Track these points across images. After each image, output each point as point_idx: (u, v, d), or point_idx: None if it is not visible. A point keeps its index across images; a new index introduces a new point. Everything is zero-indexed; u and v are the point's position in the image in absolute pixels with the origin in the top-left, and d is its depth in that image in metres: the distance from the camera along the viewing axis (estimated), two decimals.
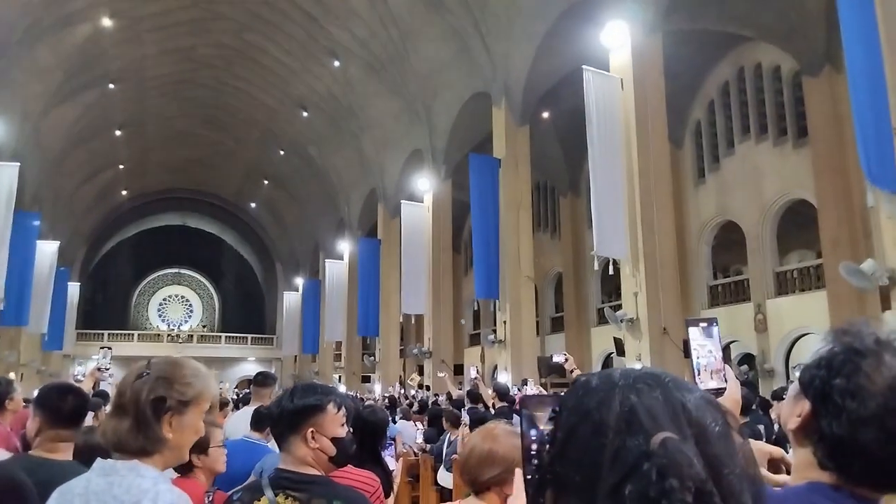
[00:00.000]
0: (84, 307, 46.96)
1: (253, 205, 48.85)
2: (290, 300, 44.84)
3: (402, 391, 21.57)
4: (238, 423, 5.82)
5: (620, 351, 17.12)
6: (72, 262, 41.62)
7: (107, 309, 51.33)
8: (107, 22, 26.59)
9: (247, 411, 5.91)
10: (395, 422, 10.83)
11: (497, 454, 2.39)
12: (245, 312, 53.73)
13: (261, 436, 5.06)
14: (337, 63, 29.44)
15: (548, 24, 20.60)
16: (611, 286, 25.06)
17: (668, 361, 14.46)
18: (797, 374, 1.33)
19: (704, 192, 23.24)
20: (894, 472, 1.18)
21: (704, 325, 1.97)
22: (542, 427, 0.91)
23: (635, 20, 17.01)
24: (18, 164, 22.25)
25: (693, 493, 0.75)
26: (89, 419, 4.27)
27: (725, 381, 1.91)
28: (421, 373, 26.54)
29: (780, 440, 6.60)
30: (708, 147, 23.46)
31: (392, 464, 5.72)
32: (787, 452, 1.51)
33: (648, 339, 15.58)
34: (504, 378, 19.61)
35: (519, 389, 13.82)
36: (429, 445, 10.14)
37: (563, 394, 0.91)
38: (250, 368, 43.20)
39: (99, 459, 1.88)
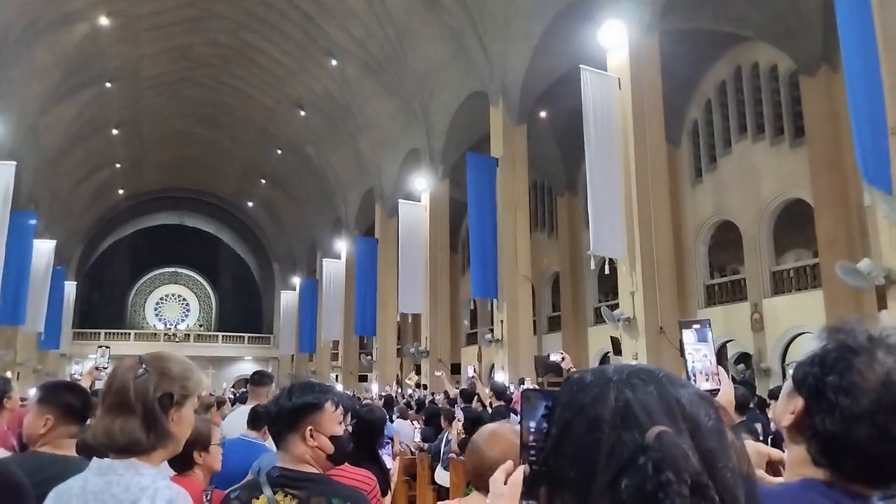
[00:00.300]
0: (80, 306, 46.89)
1: (250, 204, 48.81)
2: (287, 299, 44.82)
3: (400, 390, 21.57)
4: (235, 422, 5.83)
5: (617, 350, 17.14)
6: (68, 261, 41.57)
7: (103, 308, 51.28)
8: (104, 21, 26.57)
9: (243, 410, 5.91)
10: (391, 421, 10.82)
11: (498, 454, 2.40)
12: (242, 312, 53.70)
13: (258, 435, 5.07)
14: (334, 63, 29.43)
15: (545, 24, 20.61)
16: (608, 285, 25.07)
17: (665, 360, 14.47)
18: (791, 371, 1.34)
19: (701, 191, 23.26)
20: (887, 468, 1.19)
21: (697, 326, 1.98)
22: (541, 419, 0.91)
23: (632, 20, 17.02)
24: (15, 163, 22.18)
25: (689, 486, 0.76)
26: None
27: (719, 382, 1.92)
28: (418, 372, 26.54)
29: (778, 439, 6.61)
30: (705, 146, 23.48)
31: (389, 462, 5.72)
32: (785, 452, 1.52)
33: (645, 338, 15.61)
34: (501, 377, 19.63)
35: (516, 388, 13.84)
36: (426, 444, 10.15)
37: (556, 390, 0.92)
38: (247, 368, 43.14)
39: (95, 459, 1.89)
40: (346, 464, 3.07)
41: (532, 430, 0.90)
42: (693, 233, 23.08)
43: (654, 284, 15.97)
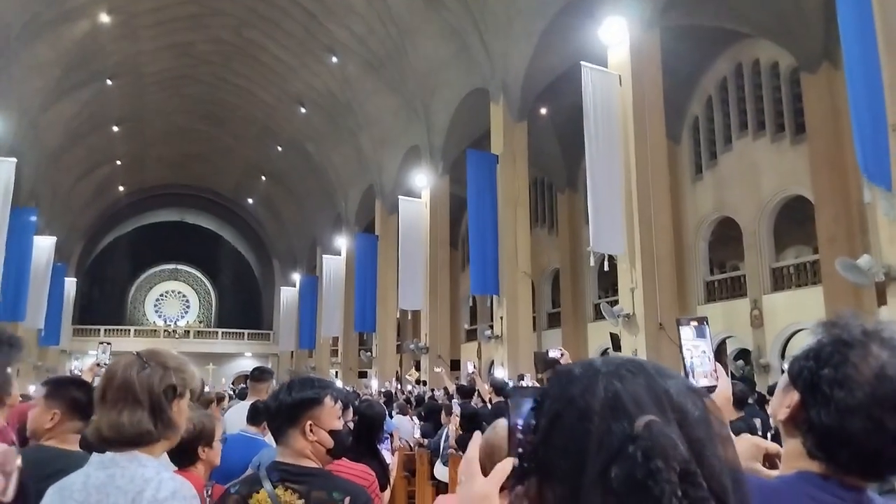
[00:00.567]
0: (81, 302, 46.91)
1: (250, 201, 48.80)
2: (287, 296, 44.82)
3: (399, 387, 21.59)
4: (234, 418, 5.85)
5: (617, 346, 17.15)
6: (69, 258, 41.58)
7: (103, 304, 51.29)
8: (105, 18, 26.54)
9: (244, 406, 5.93)
10: (391, 416, 10.84)
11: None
12: (242, 308, 53.70)
13: (257, 430, 5.08)
14: (335, 60, 29.40)
15: (546, 21, 20.59)
16: (608, 282, 25.07)
17: (665, 357, 14.47)
18: (786, 365, 1.35)
19: (702, 188, 23.26)
20: (881, 460, 1.20)
21: (696, 323, 1.98)
22: (528, 416, 0.91)
23: (633, 16, 17.00)
24: (16, 159, 22.21)
25: (678, 474, 0.77)
26: None
27: (717, 378, 1.92)
28: (418, 368, 26.55)
29: (778, 435, 6.61)
30: (705, 143, 23.47)
31: (388, 457, 5.74)
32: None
33: (645, 334, 15.62)
34: (500, 373, 19.64)
35: (515, 384, 13.85)
36: (426, 440, 10.17)
37: (544, 383, 0.92)
38: (247, 364, 43.18)
39: (95, 454, 1.90)
40: (345, 459, 3.08)
41: (519, 427, 0.90)
42: (693, 229, 23.08)
43: (654, 281, 15.97)
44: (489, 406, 10.02)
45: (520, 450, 0.90)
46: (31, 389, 5.92)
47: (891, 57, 10.86)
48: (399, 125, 29.98)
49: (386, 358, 30.95)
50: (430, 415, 11.30)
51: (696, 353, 1.94)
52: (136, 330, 49.60)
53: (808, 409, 1.25)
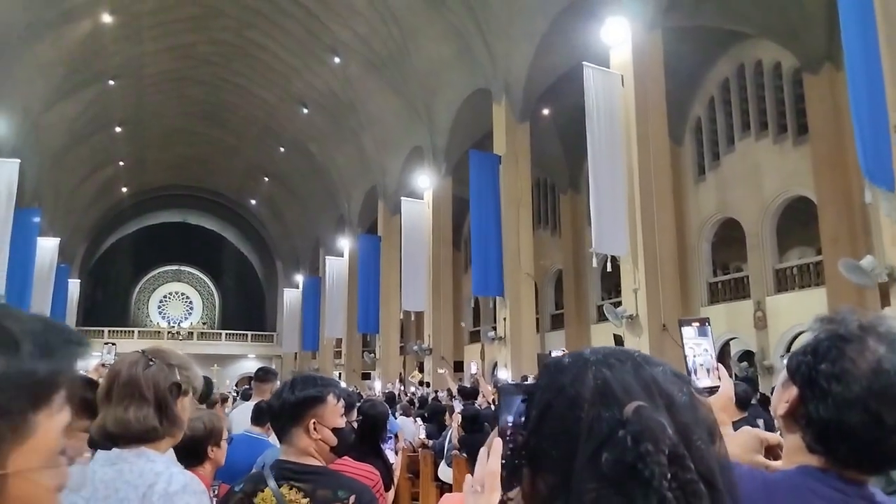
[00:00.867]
0: (84, 304, 46.98)
1: (253, 202, 48.83)
2: (291, 297, 44.85)
3: (402, 388, 21.59)
4: (239, 418, 5.86)
5: None
6: (72, 259, 41.63)
7: (107, 306, 51.34)
8: (107, 18, 26.58)
9: (248, 406, 5.95)
10: (394, 417, 10.84)
11: None
12: (245, 309, 53.71)
13: (262, 430, 5.09)
14: (337, 60, 29.43)
15: (548, 21, 20.60)
16: (611, 283, 25.06)
17: (668, 358, 14.07)
18: (785, 362, 1.37)
19: (704, 189, 23.24)
20: (879, 453, 1.21)
21: (697, 324, 1.99)
22: (518, 412, 0.92)
23: (636, 17, 17.00)
24: (19, 160, 22.27)
25: (667, 457, 0.79)
26: None
27: (719, 378, 1.93)
28: (421, 369, 26.56)
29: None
30: (708, 144, 23.46)
31: (392, 457, 5.75)
32: None
33: (648, 335, 15.59)
34: (504, 375, 19.66)
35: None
36: (430, 441, 10.18)
37: (532, 383, 0.94)
38: (250, 366, 43.18)
39: (100, 451, 1.92)
40: (349, 458, 3.09)
41: (510, 423, 0.91)
42: (696, 230, 23.06)
43: (657, 282, 15.96)
44: (493, 407, 10.02)
45: (510, 447, 0.90)
46: None
47: (892, 58, 10.86)
48: (401, 126, 29.99)
49: (389, 359, 30.95)
50: (434, 416, 11.31)
51: (699, 351, 1.94)
52: (139, 331, 49.62)
53: (806, 403, 1.26)
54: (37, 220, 26.50)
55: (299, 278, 45.20)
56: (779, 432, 1.47)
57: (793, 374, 1.30)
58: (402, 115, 29.42)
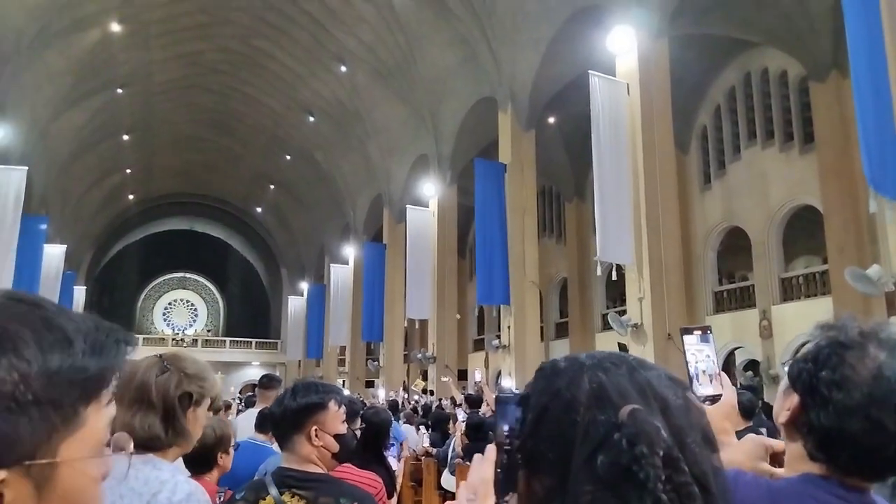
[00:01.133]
0: (90, 310, 46.82)
1: (259, 209, 48.97)
2: (295, 305, 44.89)
3: (406, 396, 21.56)
4: (243, 425, 5.86)
5: None
6: (78, 266, 41.74)
7: (112, 313, 51.27)
8: (116, 27, 26.75)
9: (252, 413, 5.94)
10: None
11: None
12: (250, 317, 53.79)
13: (266, 437, 5.09)
14: (344, 68, 29.53)
15: (554, 30, 20.63)
16: (616, 292, 24.99)
17: (673, 367, 13.87)
18: (786, 369, 1.36)
19: (710, 197, 23.21)
20: (881, 460, 1.21)
21: (699, 332, 1.98)
22: (514, 418, 0.92)
23: (641, 25, 17.00)
24: (27, 167, 22.32)
25: (661, 459, 0.79)
26: None
27: (721, 386, 1.91)
28: (425, 378, 26.52)
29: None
30: (714, 152, 23.44)
31: (394, 464, 5.74)
32: None
33: (653, 344, 15.54)
34: (508, 383, 19.60)
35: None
36: (434, 450, 10.16)
37: (527, 392, 0.94)
38: (254, 373, 43.21)
39: None
40: (352, 466, 3.08)
41: (506, 431, 0.91)
42: (702, 239, 23.02)
43: (662, 291, 15.91)
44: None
45: (506, 448, 0.90)
46: None
47: None
48: (407, 134, 30.05)
49: (393, 367, 30.91)
50: (438, 424, 11.29)
51: (701, 357, 1.93)
52: (144, 338, 49.68)
53: (807, 411, 1.26)
54: (44, 227, 26.56)
55: (304, 286, 45.24)
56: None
57: (794, 382, 1.30)
58: (408, 124, 29.49)
